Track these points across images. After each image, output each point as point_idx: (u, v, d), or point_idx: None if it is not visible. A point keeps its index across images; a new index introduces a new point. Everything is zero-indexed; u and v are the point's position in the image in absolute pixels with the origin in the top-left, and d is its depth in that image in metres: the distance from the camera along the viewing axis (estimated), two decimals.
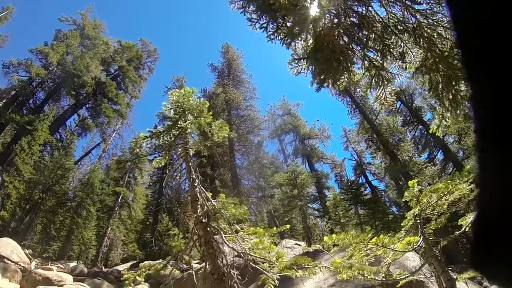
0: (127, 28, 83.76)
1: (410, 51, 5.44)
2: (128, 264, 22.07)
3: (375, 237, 4.93)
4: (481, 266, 0.63)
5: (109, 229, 28.15)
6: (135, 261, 23.01)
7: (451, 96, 5.26)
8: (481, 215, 0.61)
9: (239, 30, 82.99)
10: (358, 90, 26.47)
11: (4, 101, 27.12)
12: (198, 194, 5.29)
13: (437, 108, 5.87)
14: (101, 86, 32.56)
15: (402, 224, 5.73)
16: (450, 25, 5.31)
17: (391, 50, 5.33)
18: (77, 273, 14.43)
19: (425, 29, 5.23)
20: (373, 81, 5.47)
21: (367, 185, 28.63)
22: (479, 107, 0.60)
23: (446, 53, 5.21)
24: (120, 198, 30.25)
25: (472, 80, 0.62)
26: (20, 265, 11.37)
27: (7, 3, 28.08)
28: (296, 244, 13.64)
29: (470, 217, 5.21)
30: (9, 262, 11.02)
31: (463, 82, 5.22)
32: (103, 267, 22.88)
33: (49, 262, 17.97)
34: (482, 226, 0.60)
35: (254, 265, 5.07)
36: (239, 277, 5.00)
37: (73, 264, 20.57)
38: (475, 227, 0.62)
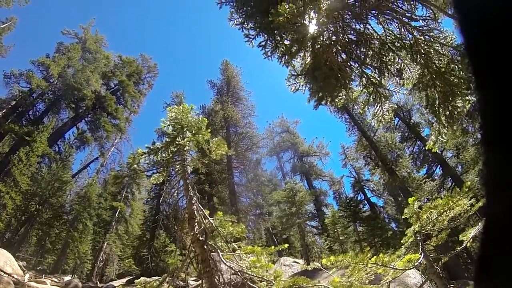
0: (127, 43, 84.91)
1: (408, 68, 5.49)
2: (123, 280, 21.69)
3: (375, 257, 4.85)
4: (487, 283, 0.60)
5: (106, 243, 27.79)
6: (131, 277, 22.61)
7: (447, 112, 5.29)
8: (489, 226, 0.58)
9: (238, 47, 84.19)
10: (356, 107, 26.70)
11: (4, 111, 27.14)
12: (195, 211, 5.24)
13: (434, 124, 5.89)
14: (101, 100, 32.69)
15: (402, 241, 5.66)
16: (446, 41, 5.39)
17: (389, 67, 5.39)
18: (71, 287, 14.16)
19: (422, 45, 5.30)
20: (371, 98, 5.50)
21: (365, 202, 28.48)
22: (488, 116, 0.59)
23: (443, 69, 5.26)
24: (117, 213, 29.97)
25: (480, 88, 0.60)
26: (13, 277, 11.15)
27: (11, 14, 28.46)
28: (295, 261, 13.45)
29: (471, 232, 5.16)
30: (2, 273, 10.81)
31: (460, 97, 5.26)
32: (98, 282, 22.50)
33: (43, 275, 17.64)
34: (490, 241, 0.58)
35: (251, 284, 4.97)
36: None
37: (67, 278, 20.18)
38: (482, 240, 0.59)
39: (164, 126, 5.98)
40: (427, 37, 5.28)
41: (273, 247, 5.21)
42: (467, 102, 5.30)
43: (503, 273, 0.53)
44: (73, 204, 28.57)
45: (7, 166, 24.13)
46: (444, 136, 5.84)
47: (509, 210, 0.52)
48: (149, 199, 33.53)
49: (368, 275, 5.09)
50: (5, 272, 11.06)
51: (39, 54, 31.21)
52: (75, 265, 26.21)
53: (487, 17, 0.56)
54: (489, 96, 0.57)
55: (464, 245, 5.29)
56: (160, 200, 27.59)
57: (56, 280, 16.67)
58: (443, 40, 5.26)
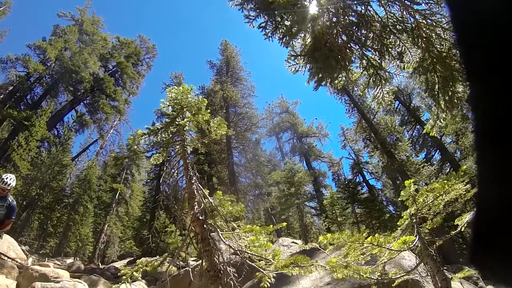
0: (125, 24, 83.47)
1: (409, 51, 5.45)
2: (125, 261, 22.08)
3: (371, 236, 4.94)
4: (479, 263, 0.64)
5: (106, 225, 28.15)
6: (132, 258, 23.01)
7: (447, 97, 5.28)
8: (480, 212, 0.62)
9: (238, 28, 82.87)
10: (356, 89, 26.56)
11: (1, 96, 27.01)
12: (195, 191, 5.30)
13: (432, 108, 5.90)
14: (99, 82, 32.44)
15: (398, 223, 5.75)
16: (449, 25, 5.33)
17: (390, 49, 5.35)
18: (74, 270, 14.42)
19: (424, 29, 5.24)
20: (371, 80, 5.49)
21: (364, 184, 28.74)
22: (479, 106, 0.61)
23: (444, 54, 5.22)
24: (117, 195, 30.23)
25: (471, 79, 0.62)
26: (16, 262, 11.34)
27: None
28: (293, 242, 13.66)
29: (466, 217, 5.23)
30: (5, 258, 11.00)
31: (460, 83, 5.24)
32: (100, 264, 22.91)
33: (46, 259, 17.93)
34: (482, 223, 0.61)
35: (250, 263, 5.08)
36: (236, 274, 5.02)
37: (70, 260, 20.53)
38: (474, 224, 0.62)
39: (164, 107, 5.97)
40: (429, 21, 5.22)
41: (271, 226, 5.30)
42: (467, 87, 5.28)
43: (496, 244, 0.57)
44: (74, 187, 28.81)
45: (7, 151, 24.18)
46: (442, 121, 5.85)
47: (500, 198, 0.55)
48: (148, 180, 33.73)
49: (364, 255, 5.20)
50: (8, 257, 11.25)
51: (36, 38, 30.80)
52: (77, 248, 26.60)
53: (480, 13, 0.57)
54: (481, 90, 0.59)
55: (459, 229, 5.38)
56: (160, 181, 27.77)
57: (59, 263, 16.96)
58: (445, 24, 5.20)
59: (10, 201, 5.80)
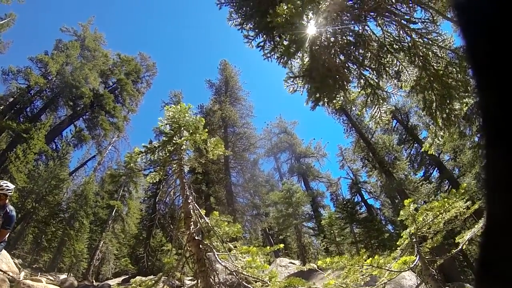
0: (126, 41, 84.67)
1: (406, 70, 5.50)
2: (120, 279, 21.62)
3: (370, 258, 4.86)
4: (488, 286, 0.59)
5: (102, 242, 27.70)
6: (127, 276, 22.56)
7: (444, 115, 5.30)
8: (489, 234, 0.58)
9: (237, 47, 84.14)
10: (354, 108, 26.76)
11: (1, 107, 27.07)
12: (191, 211, 5.23)
13: (430, 126, 5.91)
14: (99, 98, 32.60)
15: (397, 243, 5.67)
16: (445, 44, 5.41)
17: (387, 69, 5.40)
18: (67, 286, 14.12)
19: (420, 48, 5.31)
20: (369, 99, 5.51)
21: (362, 204, 28.52)
22: (489, 117, 0.58)
23: (441, 72, 5.27)
24: (114, 212, 29.88)
25: (481, 89, 0.60)
26: (8, 275, 11.08)
27: (10, 10, 28.30)
28: (291, 262, 13.46)
29: (467, 235, 5.18)
30: None
31: (457, 100, 5.27)
32: (94, 281, 22.40)
33: (39, 273, 17.53)
34: (491, 243, 0.57)
35: (246, 285, 4.96)
36: None
37: (63, 276, 20.13)
38: (482, 246, 0.58)
39: (162, 125, 5.97)
40: (425, 39, 5.30)
41: (268, 247, 5.21)
42: (465, 104, 5.32)
43: (504, 277, 0.53)
44: (70, 202, 28.49)
45: (4, 163, 24.04)
46: (440, 139, 5.86)
47: (510, 211, 0.52)
48: (146, 198, 33.47)
49: (364, 276, 5.10)
50: (0, 270, 11.01)
51: (38, 51, 31.06)
52: (71, 264, 26.08)
53: (487, 17, 0.56)
54: (490, 97, 0.57)
55: (460, 247, 5.31)
56: (157, 199, 27.58)
57: (51, 278, 16.61)
58: (441, 42, 5.28)
59: (9, 210, 5.59)
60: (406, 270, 5.28)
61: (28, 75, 28.01)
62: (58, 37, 32.80)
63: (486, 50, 0.57)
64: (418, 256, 5.09)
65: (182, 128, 5.78)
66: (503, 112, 0.53)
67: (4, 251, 12.51)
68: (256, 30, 4.93)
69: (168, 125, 5.93)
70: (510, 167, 0.52)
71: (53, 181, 26.75)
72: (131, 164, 5.62)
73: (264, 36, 4.95)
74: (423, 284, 5.57)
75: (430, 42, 5.27)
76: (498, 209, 0.55)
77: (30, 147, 24.64)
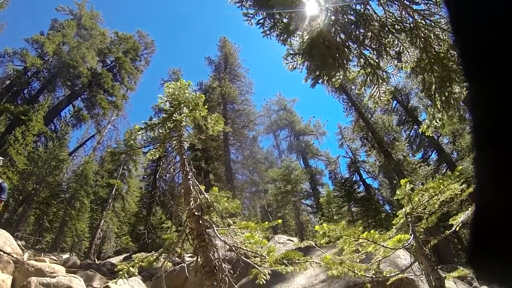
0: (124, 19, 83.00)
1: (407, 51, 5.46)
2: (121, 257, 22.03)
3: (366, 232, 4.98)
4: (478, 264, 0.64)
5: (103, 221, 28.08)
6: (128, 254, 22.98)
7: (443, 98, 5.30)
8: (479, 212, 0.62)
9: (237, 25, 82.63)
10: (354, 87, 26.57)
11: None
12: (191, 187, 5.31)
13: (429, 108, 5.92)
14: (97, 77, 32.32)
15: (393, 222, 5.79)
16: (447, 26, 5.34)
17: (388, 49, 5.36)
18: (69, 265, 14.40)
19: (422, 29, 5.25)
20: (368, 79, 5.50)
21: (361, 183, 28.75)
22: (478, 106, 0.61)
23: (442, 55, 5.24)
24: (114, 190, 30.16)
25: (470, 80, 0.62)
26: (12, 256, 11.31)
27: None
28: (289, 239, 13.70)
29: (461, 217, 5.27)
30: (1, 253, 10.96)
31: (457, 84, 5.27)
32: (96, 259, 22.84)
33: (42, 254, 17.87)
34: (481, 224, 0.60)
35: (245, 259, 5.10)
36: (231, 271, 5.04)
37: (66, 256, 20.49)
38: (472, 224, 0.61)
39: (161, 102, 5.97)
40: (427, 21, 5.23)
41: (267, 223, 5.31)
42: (465, 88, 5.31)
43: (495, 246, 0.58)
44: (70, 183, 28.71)
45: (3, 146, 24.05)
46: (438, 121, 5.87)
47: (500, 198, 0.56)
48: (145, 176, 33.67)
49: (359, 253, 5.23)
50: (4, 252, 11.21)
51: (34, 32, 30.66)
52: (73, 243, 26.56)
53: (479, 12, 0.58)
54: (480, 90, 0.60)
55: (454, 229, 5.42)
56: (157, 176, 27.74)
57: (54, 258, 16.90)
58: (444, 25, 5.21)
59: (1, 181, 5.67)
60: (400, 248, 5.41)
61: (24, 57, 27.71)
62: (54, 17, 32.34)
63: (476, 41, 0.59)
64: (412, 235, 5.21)
65: (182, 105, 5.78)
66: (492, 107, 0.56)
67: (7, 233, 12.73)
68: (256, 8, 4.86)
69: (167, 102, 5.92)
70: (500, 157, 0.55)
71: (53, 162, 26.88)
72: (131, 142, 5.65)
73: (264, 13, 4.88)
74: (417, 263, 5.72)
75: (433, 24, 5.20)
76: (486, 195, 0.59)
77: (29, 129, 24.64)
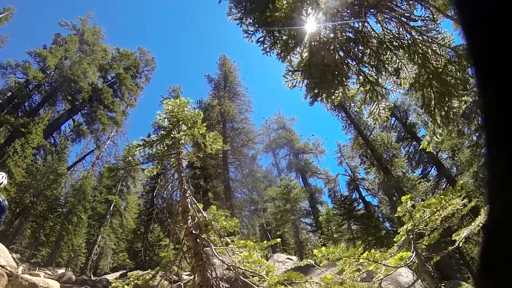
0: (125, 35, 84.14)
1: (405, 67, 5.50)
2: (117, 273, 21.68)
3: (367, 252, 4.88)
4: (489, 284, 0.59)
5: (100, 237, 27.69)
6: (125, 271, 22.60)
7: (443, 113, 5.31)
8: (491, 236, 0.57)
9: (237, 42, 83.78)
10: (353, 105, 26.75)
11: None
12: (189, 205, 5.24)
13: (429, 124, 5.93)
14: (98, 93, 32.52)
15: (394, 239, 5.70)
16: (444, 42, 5.40)
17: (386, 65, 5.40)
18: (65, 280, 14.13)
19: (420, 45, 5.31)
20: (368, 96, 5.52)
21: (360, 201, 28.55)
22: (491, 116, 0.58)
23: (440, 70, 5.27)
24: (112, 206, 29.87)
25: (484, 88, 0.60)
26: (6, 269, 11.09)
27: (8, 4, 28.15)
28: (288, 258, 13.51)
29: (464, 232, 5.20)
30: None
31: (456, 98, 5.28)
32: (92, 275, 22.47)
33: (37, 268, 17.54)
34: (492, 250, 0.57)
35: (244, 279, 4.99)
36: None
37: (61, 271, 20.11)
38: (483, 249, 0.57)
39: (160, 119, 5.97)
40: (425, 37, 5.30)
41: (266, 241, 5.23)
42: (463, 103, 5.34)
43: (505, 275, 0.53)
44: (68, 197, 28.44)
45: (2, 157, 23.97)
46: (439, 136, 5.87)
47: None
48: (144, 193, 33.47)
49: (360, 272, 5.13)
50: None
51: (36, 45, 31.02)
52: (69, 258, 26.10)
53: (490, 15, 0.56)
54: (492, 96, 0.57)
55: (457, 245, 5.33)
56: (155, 194, 27.58)
57: (49, 272, 16.60)
58: (441, 40, 5.28)
59: (2, 199, 5.58)
60: (402, 266, 5.31)
61: (26, 69, 27.95)
62: (57, 31, 32.79)
63: (488, 48, 0.56)
64: (414, 253, 5.12)
65: (181, 122, 5.77)
66: (505, 111, 0.53)
67: (2, 246, 12.54)
68: (256, 25, 4.93)
69: (166, 119, 5.93)
70: (511, 166, 0.52)
71: (51, 175, 26.72)
72: (129, 158, 5.62)
73: (264, 31, 4.94)
74: (419, 281, 5.60)
75: (430, 40, 5.27)
76: (499, 208, 0.55)
77: (28, 142, 24.61)
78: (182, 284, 7.08)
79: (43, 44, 30.50)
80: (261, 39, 5.07)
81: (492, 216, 0.57)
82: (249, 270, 4.91)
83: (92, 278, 19.89)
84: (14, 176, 22.98)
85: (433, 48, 5.29)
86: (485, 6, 0.57)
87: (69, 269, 23.36)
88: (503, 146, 0.54)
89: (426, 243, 5.49)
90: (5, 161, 23.19)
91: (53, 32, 33.06)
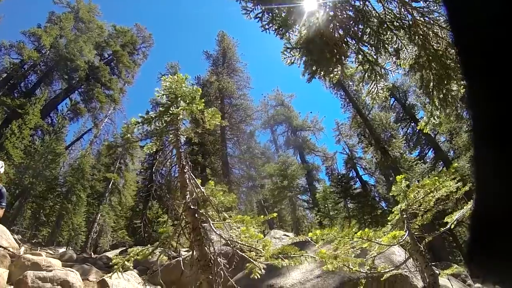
0: (122, 12, 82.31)
1: (405, 48, 5.46)
2: (117, 251, 22.03)
3: (360, 231, 5.00)
4: (477, 263, 0.63)
5: (99, 215, 28.07)
6: (124, 248, 23.00)
7: (441, 95, 5.32)
8: (478, 211, 0.61)
9: (235, 19, 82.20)
10: (351, 84, 26.57)
11: None
12: (187, 180, 5.31)
13: (427, 105, 5.94)
14: (94, 71, 32.12)
15: (389, 218, 5.82)
16: (446, 24, 5.34)
17: (386, 46, 5.35)
18: (66, 259, 14.38)
19: (421, 27, 5.25)
20: (366, 75, 5.50)
21: (357, 179, 28.87)
22: (476, 105, 0.60)
23: (440, 52, 5.24)
24: (110, 184, 30.11)
25: (469, 78, 0.62)
26: (9, 250, 11.28)
27: None
28: (285, 235, 13.74)
29: (456, 215, 5.30)
30: None
31: (455, 82, 5.28)
32: (92, 253, 22.86)
33: (38, 248, 17.83)
34: (480, 223, 0.60)
35: (241, 253, 5.12)
36: (226, 265, 5.05)
37: (62, 250, 20.44)
38: (472, 223, 0.61)
39: (158, 96, 5.94)
40: (426, 18, 5.23)
41: (262, 216, 5.32)
42: (462, 86, 5.33)
43: (492, 254, 0.57)
44: (67, 176, 28.57)
45: (0, 139, 23.92)
46: (436, 118, 5.90)
47: (498, 198, 0.55)
48: (142, 170, 33.66)
49: (354, 249, 5.26)
50: (1, 246, 11.19)
51: (31, 25, 30.30)
52: (70, 237, 26.47)
53: (477, 12, 0.57)
54: (480, 89, 0.59)
55: (448, 226, 5.45)
56: (153, 170, 27.74)
57: (51, 252, 16.87)
58: (442, 23, 5.22)
59: (0, 187, 5.64)
60: (395, 245, 5.44)
61: (21, 50, 27.48)
62: (51, 9, 31.92)
63: (474, 40, 0.58)
64: (407, 232, 5.24)
65: (179, 99, 5.76)
66: (492, 107, 0.55)
67: (3, 227, 12.70)
68: (255, 1, 4.85)
69: (164, 95, 5.90)
70: (500, 156, 0.55)
71: (49, 155, 26.72)
72: (128, 135, 5.63)
73: (263, 7, 4.87)
74: (411, 259, 5.75)
75: (431, 22, 5.21)
76: (485, 195, 0.59)
77: (25, 123, 24.50)
78: (181, 259, 7.25)
79: (38, 23, 29.82)
80: (260, 15, 5.00)
81: (480, 190, 0.61)
82: (246, 244, 5.02)
83: (93, 256, 20.25)
84: (12, 158, 22.99)
85: (434, 30, 5.24)
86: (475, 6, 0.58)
87: (70, 248, 23.74)
88: (490, 142, 0.56)
89: (419, 224, 5.60)
90: (2, 143, 23.13)
91: (47, 10, 32.26)
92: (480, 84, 0.59)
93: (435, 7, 5.21)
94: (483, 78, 0.58)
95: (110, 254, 18.92)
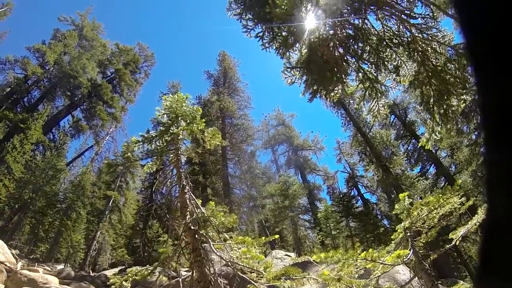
0: (125, 31, 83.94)
1: (404, 65, 5.49)
2: (116, 269, 21.69)
3: (364, 252, 4.90)
4: (488, 282, 0.59)
5: (99, 232, 27.75)
6: (124, 267, 22.63)
7: (442, 111, 5.31)
8: (490, 235, 0.57)
9: (236, 39, 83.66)
10: (352, 102, 26.74)
11: None
12: (187, 200, 5.25)
13: (427, 121, 5.93)
14: (97, 88, 32.45)
15: (392, 237, 5.71)
16: (444, 40, 5.40)
17: (386, 63, 5.38)
18: (63, 276, 14.16)
19: (420, 43, 5.30)
20: (367, 93, 5.51)
21: (359, 198, 28.65)
22: (490, 115, 0.58)
23: (440, 68, 5.27)
24: (111, 202, 29.92)
25: (482, 87, 0.59)
26: (5, 265, 11.13)
27: None
28: (286, 255, 13.55)
29: (461, 231, 5.21)
30: None
31: (455, 96, 5.28)
32: (90, 271, 22.49)
33: (36, 264, 17.61)
34: (491, 247, 0.56)
35: (242, 275, 5.00)
36: (227, 286, 4.94)
37: (60, 266, 20.17)
38: (482, 247, 0.57)
39: (159, 115, 5.96)
40: (425, 35, 5.28)
41: (264, 238, 5.23)
42: (462, 101, 5.34)
43: (504, 273, 0.53)
44: (67, 193, 28.47)
45: (1, 153, 23.94)
46: (437, 134, 5.88)
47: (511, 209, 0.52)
48: (143, 189, 33.48)
49: (358, 269, 5.14)
50: None
51: (35, 41, 30.87)
52: (68, 254, 26.15)
53: (488, 15, 0.55)
54: (492, 95, 0.56)
55: (453, 243, 5.35)
56: (153, 189, 27.59)
57: (48, 268, 16.66)
58: (441, 39, 5.27)
59: None
60: (399, 264, 5.32)
61: (25, 65, 27.88)
62: (56, 27, 32.60)
63: (486, 48, 0.56)
64: (412, 250, 5.13)
65: (180, 118, 5.77)
66: (503, 110, 0.53)
67: (1, 242, 12.56)
68: (255, 21, 4.91)
69: (165, 115, 5.92)
70: (509, 164, 0.52)
71: (50, 171, 26.71)
72: (128, 154, 5.63)
73: (263, 26, 4.92)
74: (416, 278, 5.62)
75: (430, 38, 5.26)
76: (498, 206, 0.55)
77: (27, 137, 24.59)
78: (180, 279, 7.10)
79: (42, 40, 30.46)
80: (260, 34, 5.05)
81: (491, 214, 0.57)
82: (247, 266, 4.92)
83: (91, 274, 19.90)
84: (13, 172, 22.97)
85: (433, 46, 5.28)
86: (484, 5, 0.57)
87: (68, 265, 23.43)
88: (502, 145, 0.53)
89: (424, 241, 5.50)
90: (4, 157, 23.15)
91: (52, 27, 32.92)
92: (493, 88, 0.56)
93: (433, 23, 5.27)
94: (497, 81, 0.55)
95: (109, 272, 18.61)
